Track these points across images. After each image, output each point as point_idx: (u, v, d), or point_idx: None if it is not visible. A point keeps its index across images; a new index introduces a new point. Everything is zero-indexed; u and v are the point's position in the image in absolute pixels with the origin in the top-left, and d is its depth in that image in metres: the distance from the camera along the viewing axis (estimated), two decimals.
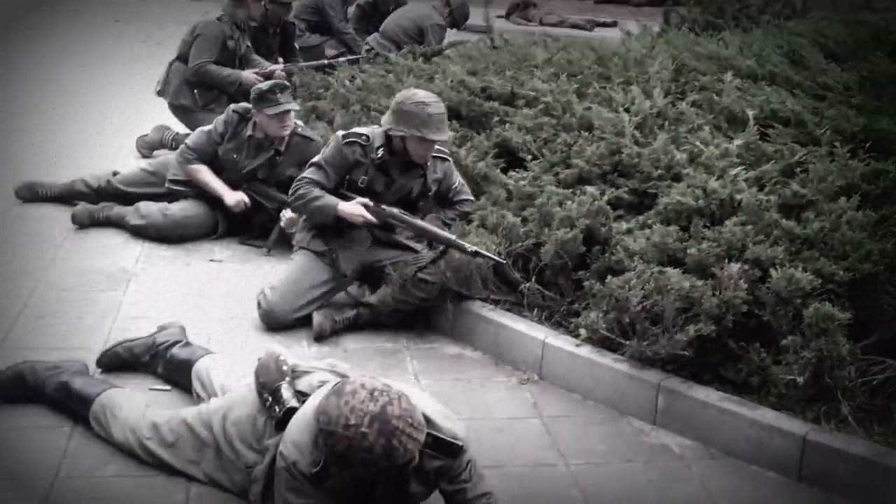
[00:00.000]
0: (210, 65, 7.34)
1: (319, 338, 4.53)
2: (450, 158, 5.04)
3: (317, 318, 4.58)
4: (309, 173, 4.83)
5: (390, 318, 4.69)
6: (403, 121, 4.66)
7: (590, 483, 3.47)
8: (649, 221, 4.49)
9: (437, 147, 4.81)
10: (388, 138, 4.77)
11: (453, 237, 4.58)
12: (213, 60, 7.35)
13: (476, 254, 4.44)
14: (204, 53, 7.34)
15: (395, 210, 4.74)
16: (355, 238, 4.83)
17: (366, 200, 4.73)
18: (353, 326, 4.67)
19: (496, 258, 4.47)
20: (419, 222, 4.75)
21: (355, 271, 4.84)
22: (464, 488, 3.01)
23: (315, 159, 4.90)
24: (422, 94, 4.75)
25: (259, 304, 4.69)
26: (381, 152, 4.76)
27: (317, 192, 4.76)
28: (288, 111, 5.61)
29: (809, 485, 3.46)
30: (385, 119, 4.79)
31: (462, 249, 4.47)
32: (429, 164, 4.84)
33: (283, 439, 2.93)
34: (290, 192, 4.88)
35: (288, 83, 5.98)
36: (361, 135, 4.82)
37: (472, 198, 5.05)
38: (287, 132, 5.65)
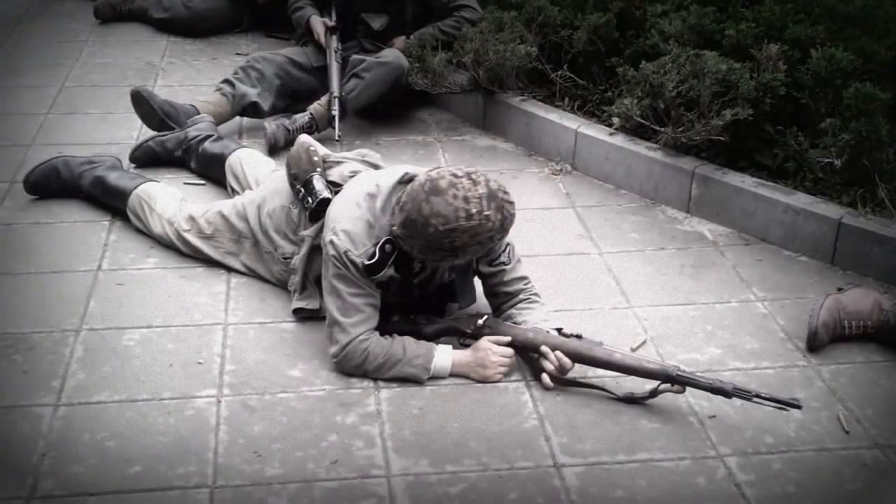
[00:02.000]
0: None
1: (273, 150, 4.31)
2: None
3: (269, 126, 4.39)
4: None
5: None
6: None
7: (623, 269, 3.50)
8: (685, 2, 4.34)
9: None
10: None
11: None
12: None
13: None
14: None
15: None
16: None
17: (326, 21, 4.66)
18: (379, 118, 4.62)
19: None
20: None
21: None
22: (502, 270, 3.05)
23: None
24: None
25: None
26: None
27: (302, 2, 4.83)
28: None
29: (843, 268, 3.47)
30: None
31: None
32: None
33: (333, 228, 2.93)
34: None
35: None
36: None
37: (474, 5, 4.81)
38: None
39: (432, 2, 4.80)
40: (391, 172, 3.01)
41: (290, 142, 4.39)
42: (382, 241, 2.87)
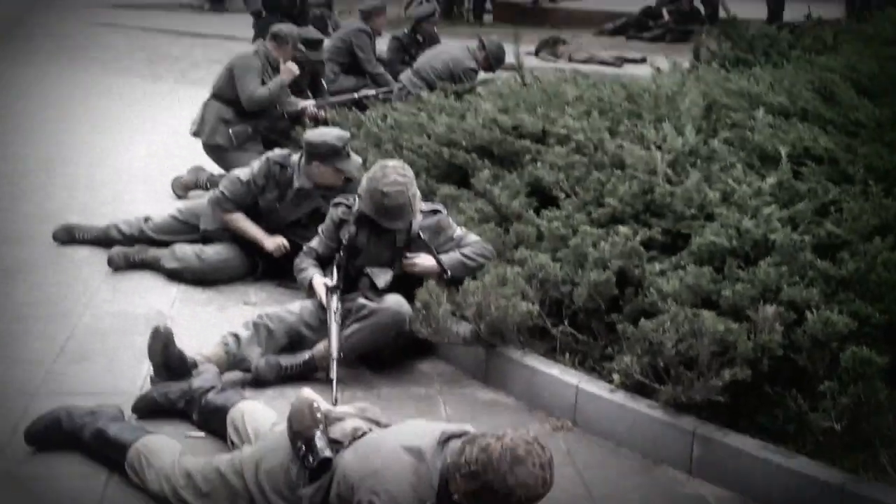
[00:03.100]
0: (259, 89, 7.48)
1: (259, 385, 4.48)
2: (442, 210, 5.06)
3: (259, 364, 4.53)
4: (313, 241, 5.09)
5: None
6: (365, 200, 4.78)
7: None
8: (682, 262, 4.47)
9: (425, 205, 4.99)
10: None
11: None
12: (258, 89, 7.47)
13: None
14: (251, 84, 7.46)
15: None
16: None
17: (327, 282, 4.79)
18: (379, 367, 4.69)
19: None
20: None
21: None
22: None
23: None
24: (388, 180, 4.70)
25: None
26: (357, 207, 4.88)
27: (306, 262, 5.02)
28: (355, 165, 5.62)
29: None
30: (362, 182, 4.88)
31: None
32: (416, 216, 4.88)
33: (371, 488, 2.95)
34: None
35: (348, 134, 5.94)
36: (349, 196, 5.00)
37: (483, 244, 4.96)
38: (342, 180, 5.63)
39: (441, 251, 4.91)
40: (426, 431, 3.05)
41: (280, 380, 4.49)
42: None
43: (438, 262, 4.81)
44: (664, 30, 17.87)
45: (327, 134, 5.66)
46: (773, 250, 4.25)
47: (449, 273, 4.78)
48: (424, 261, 4.83)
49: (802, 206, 4.53)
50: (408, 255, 4.84)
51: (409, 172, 4.86)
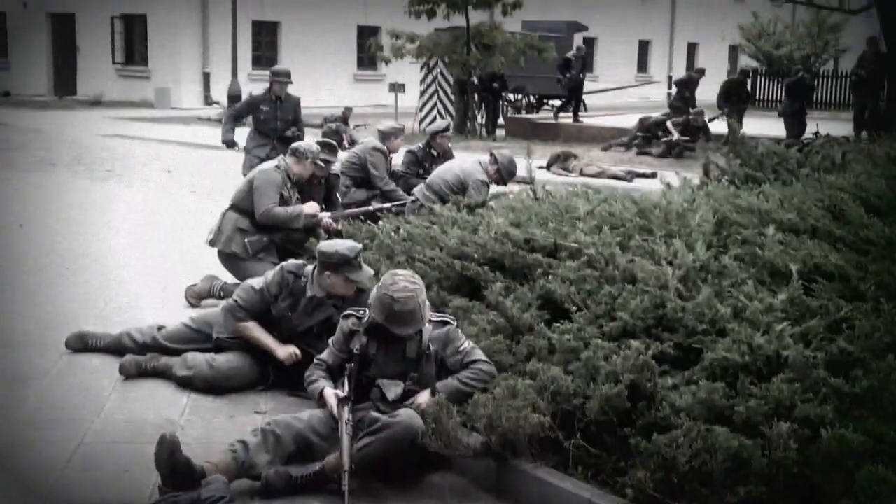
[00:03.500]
0: (275, 207, 7.55)
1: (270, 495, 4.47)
2: (452, 322, 5.10)
3: (268, 474, 4.52)
4: (323, 353, 5.15)
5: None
6: (375, 307, 4.86)
7: None
8: (695, 377, 4.46)
9: (434, 315, 5.05)
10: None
11: None
12: (276, 205, 7.56)
13: None
14: (269, 199, 7.55)
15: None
16: None
17: (338, 393, 4.83)
18: (390, 480, 4.64)
19: None
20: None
21: None
22: None
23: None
24: (398, 287, 4.81)
25: None
26: (368, 319, 4.96)
27: (316, 374, 5.06)
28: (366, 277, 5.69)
29: None
30: (372, 292, 4.98)
31: None
32: (426, 325, 4.94)
33: None
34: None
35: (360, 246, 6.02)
36: (360, 309, 5.08)
37: (487, 360, 4.98)
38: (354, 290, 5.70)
39: (448, 362, 4.95)
40: None
41: (290, 490, 4.46)
42: None
43: (434, 392, 4.85)
44: (669, 145, 18.18)
45: (339, 245, 5.73)
46: (786, 367, 4.25)
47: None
48: (421, 398, 4.85)
49: (814, 323, 4.55)
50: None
51: (419, 281, 4.94)
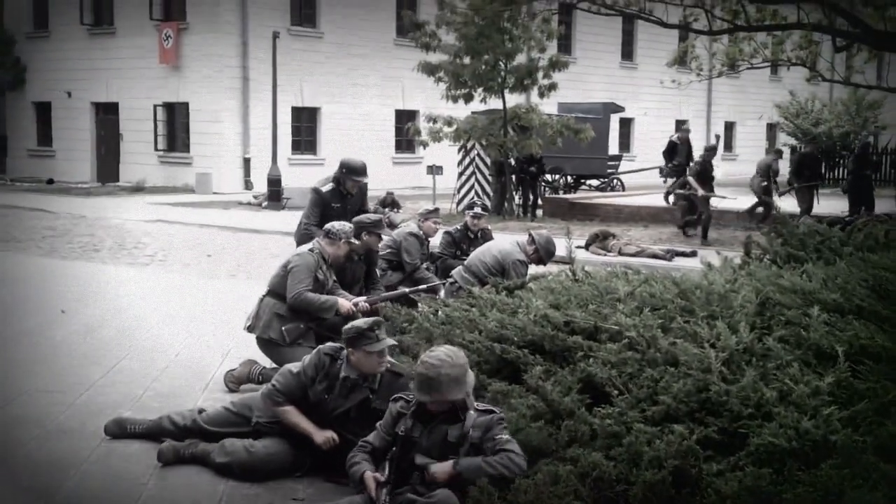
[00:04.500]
0: (308, 293, 7.54)
1: None
2: (497, 411, 5.08)
3: None
4: (370, 436, 5.21)
5: None
6: (413, 378, 5.07)
7: None
8: (741, 463, 4.37)
9: (479, 405, 5.10)
10: None
11: None
12: (309, 289, 7.55)
13: None
14: (301, 283, 7.55)
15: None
16: None
17: (377, 476, 4.91)
18: None
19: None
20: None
21: None
22: None
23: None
24: (432, 354, 5.03)
25: None
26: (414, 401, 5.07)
27: (359, 456, 5.12)
28: (385, 347, 5.72)
29: None
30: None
31: None
32: (470, 411, 4.99)
33: None
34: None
35: (383, 319, 6.08)
36: (409, 393, 5.16)
37: (520, 453, 4.86)
38: (384, 368, 5.72)
39: (484, 447, 4.90)
40: None
41: None
42: None
43: (455, 465, 4.84)
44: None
45: (358, 321, 5.80)
46: (835, 452, 4.15)
47: (462, 476, 4.79)
48: (438, 467, 4.85)
49: (863, 406, 4.46)
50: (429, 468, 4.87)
51: (462, 356, 5.04)
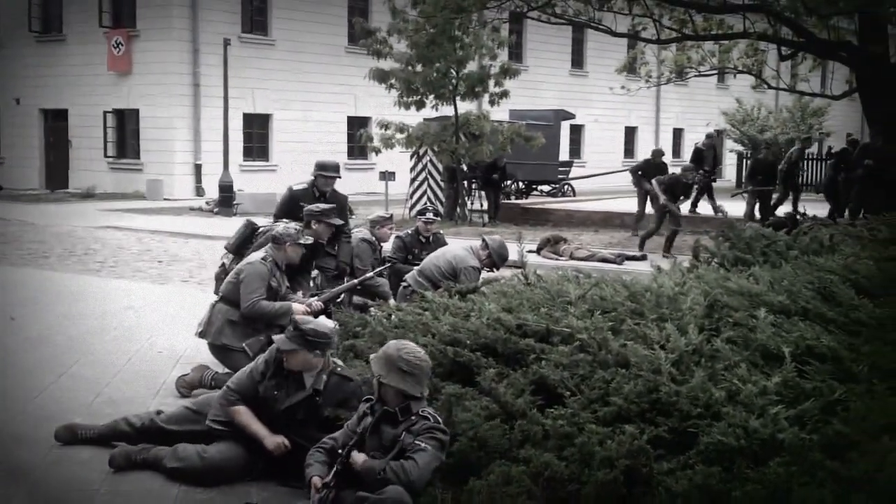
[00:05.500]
0: (261, 301, 7.53)
1: None
2: (433, 420, 5.06)
3: None
4: (338, 432, 5.27)
5: None
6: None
7: None
8: (691, 461, 4.44)
9: (425, 411, 5.13)
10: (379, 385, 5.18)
11: None
12: (263, 297, 7.54)
13: None
14: (254, 293, 7.53)
15: None
16: None
17: (316, 482, 4.99)
18: None
19: None
20: None
21: None
22: None
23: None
24: (410, 348, 5.24)
25: None
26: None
27: (315, 456, 5.18)
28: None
29: None
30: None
31: None
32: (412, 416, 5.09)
33: None
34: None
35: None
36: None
37: (420, 467, 4.86)
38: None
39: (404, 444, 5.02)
40: None
41: None
42: None
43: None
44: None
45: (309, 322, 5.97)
46: (782, 450, 4.23)
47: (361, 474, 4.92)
48: (357, 456, 4.98)
49: (809, 405, 4.55)
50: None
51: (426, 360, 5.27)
